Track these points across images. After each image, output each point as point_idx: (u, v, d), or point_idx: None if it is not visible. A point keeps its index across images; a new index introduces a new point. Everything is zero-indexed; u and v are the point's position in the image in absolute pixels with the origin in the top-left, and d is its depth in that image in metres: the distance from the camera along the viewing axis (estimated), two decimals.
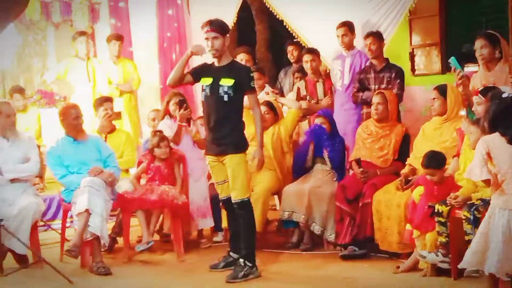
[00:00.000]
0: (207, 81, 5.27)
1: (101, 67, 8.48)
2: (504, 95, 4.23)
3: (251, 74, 5.24)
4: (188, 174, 6.39)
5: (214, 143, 5.31)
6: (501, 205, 4.14)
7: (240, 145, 5.24)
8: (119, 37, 8.57)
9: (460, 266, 4.39)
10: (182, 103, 6.34)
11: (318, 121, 6.38)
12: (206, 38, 5.19)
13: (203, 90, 5.32)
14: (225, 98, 5.16)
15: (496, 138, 4.16)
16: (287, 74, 8.16)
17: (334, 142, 6.30)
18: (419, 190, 5.17)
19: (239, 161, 5.22)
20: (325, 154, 6.28)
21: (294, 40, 7.86)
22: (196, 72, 5.37)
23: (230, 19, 8.27)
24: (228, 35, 5.24)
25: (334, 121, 6.44)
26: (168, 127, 6.46)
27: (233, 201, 5.27)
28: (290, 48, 8.08)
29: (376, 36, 6.64)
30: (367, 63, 6.82)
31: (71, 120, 5.92)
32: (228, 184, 5.30)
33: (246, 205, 5.27)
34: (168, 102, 6.59)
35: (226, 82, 5.17)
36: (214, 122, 5.25)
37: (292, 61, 8.10)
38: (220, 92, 5.18)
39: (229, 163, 5.21)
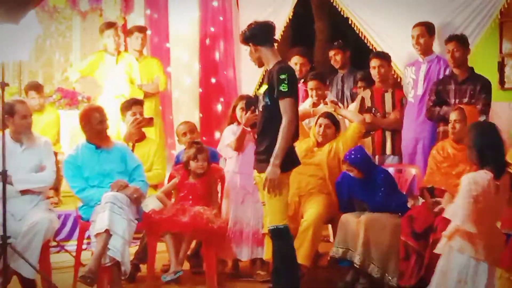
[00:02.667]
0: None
1: (122, 63, 8.43)
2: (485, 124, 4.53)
3: (282, 76, 5.09)
4: (247, 191, 6.37)
5: (255, 158, 5.34)
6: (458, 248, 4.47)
7: None
8: (142, 29, 8.63)
9: None
10: (249, 105, 6.29)
11: (345, 168, 6.25)
12: None
13: None
14: (261, 107, 5.24)
15: (485, 181, 4.44)
16: (333, 82, 8.16)
17: (371, 190, 6.11)
18: None
19: None
20: (366, 206, 6.17)
21: (335, 43, 7.87)
22: None
23: (284, 15, 8.33)
24: (252, 42, 5.25)
25: (365, 160, 6.19)
26: (233, 134, 6.46)
27: (266, 228, 5.27)
28: (331, 53, 8.08)
29: (461, 41, 6.56)
30: (447, 72, 6.74)
31: (95, 125, 5.94)
32: None
33: (280, 234, 5.17)
34: (234, 108, 6.60)
35: (262, 89, 5.24)
36: (257, 135, 5.34)
37: (337, 67, 8.12)
38: (260, 100, 5.26)
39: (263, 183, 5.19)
